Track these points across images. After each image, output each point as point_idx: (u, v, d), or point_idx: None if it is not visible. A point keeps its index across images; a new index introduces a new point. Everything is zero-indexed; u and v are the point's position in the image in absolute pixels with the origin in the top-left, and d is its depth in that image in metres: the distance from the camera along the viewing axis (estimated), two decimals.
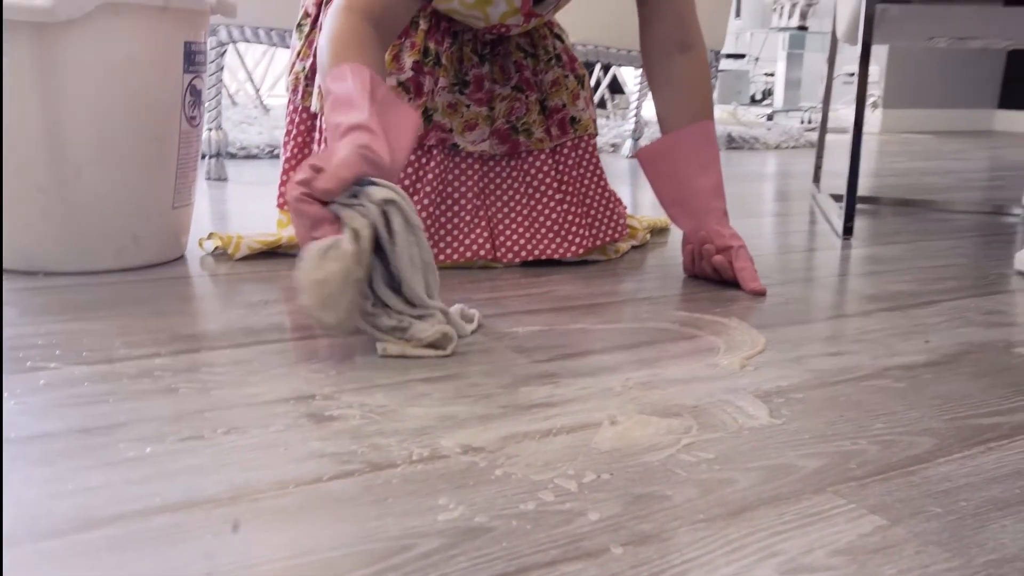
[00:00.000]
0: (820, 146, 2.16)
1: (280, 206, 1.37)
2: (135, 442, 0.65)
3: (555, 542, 0.52)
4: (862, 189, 2.17)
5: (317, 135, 1.31)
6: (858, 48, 1.53)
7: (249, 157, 2.60)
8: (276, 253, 1.30)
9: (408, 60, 1.26)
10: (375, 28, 1.04)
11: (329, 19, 1.03)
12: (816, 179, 2.15)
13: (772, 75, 5.21)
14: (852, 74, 4.74)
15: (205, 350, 0.86)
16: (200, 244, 1.32)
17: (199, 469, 0.61)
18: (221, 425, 0.68)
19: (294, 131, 1.35)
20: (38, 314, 0.97)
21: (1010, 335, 0.98)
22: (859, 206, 1.91)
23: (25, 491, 0.57)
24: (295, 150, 1.35)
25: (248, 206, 1.73)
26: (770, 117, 4.80)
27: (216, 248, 1.31)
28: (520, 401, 0.75)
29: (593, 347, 0.90)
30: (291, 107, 1.36)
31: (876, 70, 4.71)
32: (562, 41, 1.38)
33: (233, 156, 2.55)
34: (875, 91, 4.73)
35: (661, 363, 0.85)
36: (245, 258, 1.27)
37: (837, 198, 1.91)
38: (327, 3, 1.29)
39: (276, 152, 2.65)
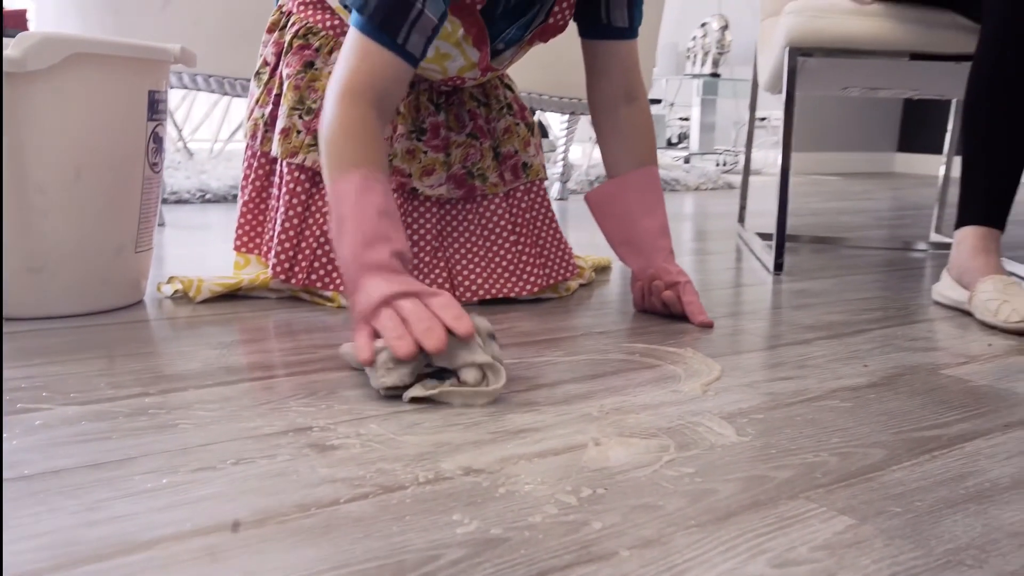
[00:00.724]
0: (744, 187, 2.27)
1: (237, 249, 1.39)
2: (150, 474, 0.68)
3: (567, 548, 0.58)
4: (768, 228, 2.29)
5: (277, 180, 1.35)
6: (782, 96, 1.64)
7: (180, 202, 2.60)
8: (236, 295, 1.33)
9: None
10: (379, 114, 1.05)
11: (334, 106, 1.03)
12: (741, 219, 2.27)
13: (687, 119, 5.40)
14: (763, 119, 4.94)
15: (192, 388, 0.89)
16: (159, 288, 1.34)
17: (220, 496, 0.64)
18: (228, 457, 0.71)
19: (252, 176, 1.38)
20: (15, 358, 0.98)
21: (936, 359, 1.07)
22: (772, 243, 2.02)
23: (56, 521, 0.60)
24: (253, 194, 1.38)
25: (193, 249, 1.75)
26: (687, 160, 4.97)
27: (175, 292, 1.33)
28: (507, 427, 0.80)
29: (563, 377, 0.96)
30: (249, 152, 1.40)
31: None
32: (512, 91, 1.45)
33: (165, 200, 2.55)
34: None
35: (629, 390, 0.91)
36: (205, 301, 1.30)
37: (762, 236, 2.02)
38: (287, 53, 1.34)
39: (208, 196, 2.66)
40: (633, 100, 1.32)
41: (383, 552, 0.57)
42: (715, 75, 4.94)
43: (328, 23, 1.33)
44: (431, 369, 0.90)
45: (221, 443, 0.74)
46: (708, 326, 1.20)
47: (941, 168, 2.23)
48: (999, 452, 0.77)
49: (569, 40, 1.38)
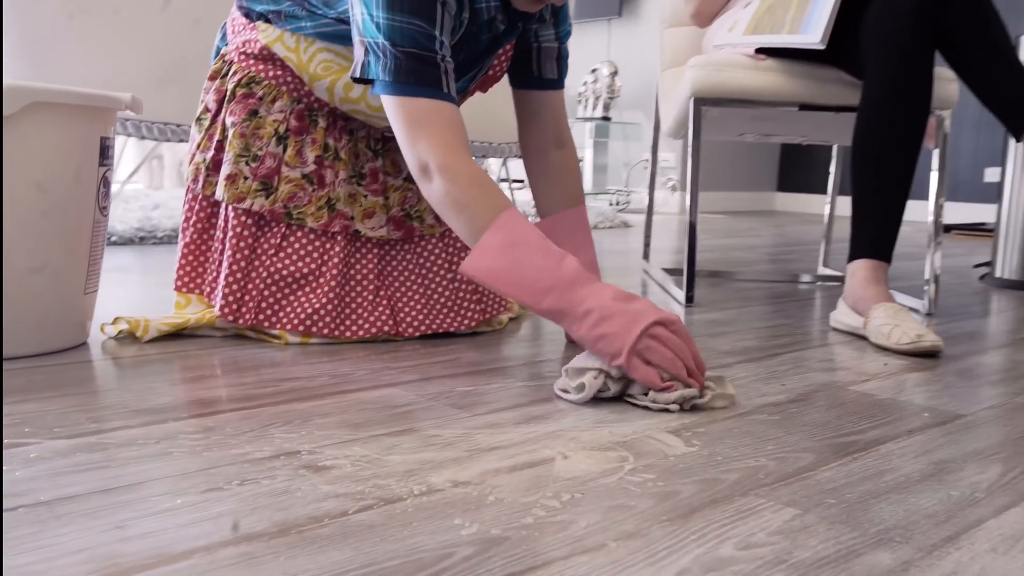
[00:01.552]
0: (648, 226, 2.41)
1: (178, 289, 1.43)
2: (163, 496, 0.73)
3: (562, 543, 0.66)
4: (680, 264, 2.44)
5: (221, 223, 1.40)
6: (674, 140, 1.78)
7: None
8: (180, 334, 1.37)
9: (311, 155, 1.38)
10: (472, 156, 1.17)
11: (450, 169, 1.12)
12: (645, 255, 2.40)
13: (580, 160, 5.60)
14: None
15: (171, 421, 0.94)
16: (102, 329, 1.37)
17: (235, 512, 0.70)
18: (232, 478, 0.77)
19: (193, 218, 1.43)
20: None
21: (842, 377, 1.20)
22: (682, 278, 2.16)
23: (89, 539, 0.65)
24: (195, 236, 1.43)
25: (128, 290, 1.76)
26: None
27: (120, 332, 1.36)
28: (480, 446, 0.88)
29: (519, 401, 1.04)
30: (190, 196, 1.44)
31: (673, 157, 5.17)
32: None
33: None
34: (673, 176, 5.19)
35: (581, 410, 1.01)
36: (152, 340, 1.33)
37: (668, 271, 2.16)
38: (229, 100, 1.40)
39: (113, 238, 2.65)
40: (562, 146, 1.43)
41: (401, 552, 0.64)
42: (606, 119, 5.15)
43: (271, 73, 1.39)
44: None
45: (219, 467, 0.80)
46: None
47: (826, 207, 2.42)
48: (908, 452, 0.89)
49: (493, 91, 1.48)
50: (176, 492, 0.74)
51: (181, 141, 2.15)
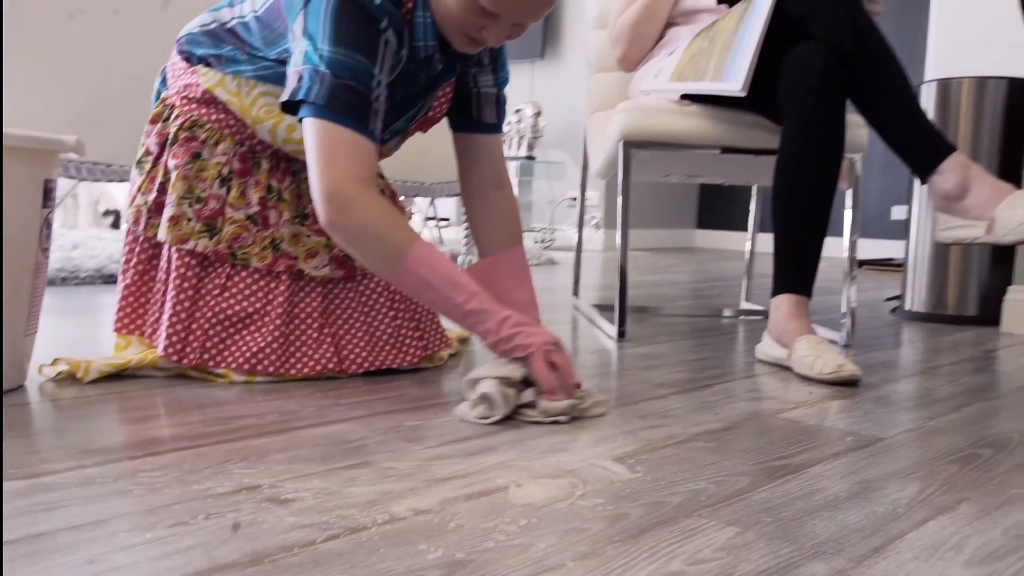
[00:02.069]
0: (577, 263, 2.48)
1: (118, 331, 1.43)
2: (131, 532, 0.75)
3: (524, 564, 0.70)
4: (604, 300, 2.51)
5: (164, 264, 1.41)
6: (618, 181, 1.85)
7: None
8: (121, 375, 1.37)
9: (254, 196, 1.41)
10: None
11: (361, 197, 1.18)
12: (575, 292, 2.47)
13: None
14: (574, 198, 5.26)
15: (126, 459, 0.95)
16: (40, 370, 1.36)
17: (206, 544, 0.72)
18: (198, 512, 0.79)
19: (134, 260, 1.43)
20: None
21: (771, 406, 1.27)
22: (612, 314, 2.23)
23: (65, 574, 0.66)
24: (135, 277, 1.43)
25: (57, 332, 1.75)
26: None
27: (58, 374, 1.35)
28: (435, 476, 0.91)
29: (468, 433, 1.08)
30: (130, 237, 1.45)
31: (596, 195, 5.29)
32: (383, 178, 1.58)
33: None
34: (597, 214, 5.30)
35: (527, 441, 1.05)
36: (93, 381, 1.33)
37: (598, 307, 2.22)
38: (172, 144, 1.42)
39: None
40: (501, 187, 1.48)
41: None
42: (530, 158, 5.25)
43: (214, 117, 1.42)
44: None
45: (183, 503, 0.82)
46: (576, 387, 1.36)
47: (747, 244, 2.52)
48: (835, 473, 0.96)
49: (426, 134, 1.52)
50: (144, 527, 0.76)
51: (110, 181, 2.15)
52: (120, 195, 5.08)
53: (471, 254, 2.72)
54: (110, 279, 2.72)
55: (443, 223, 5.12)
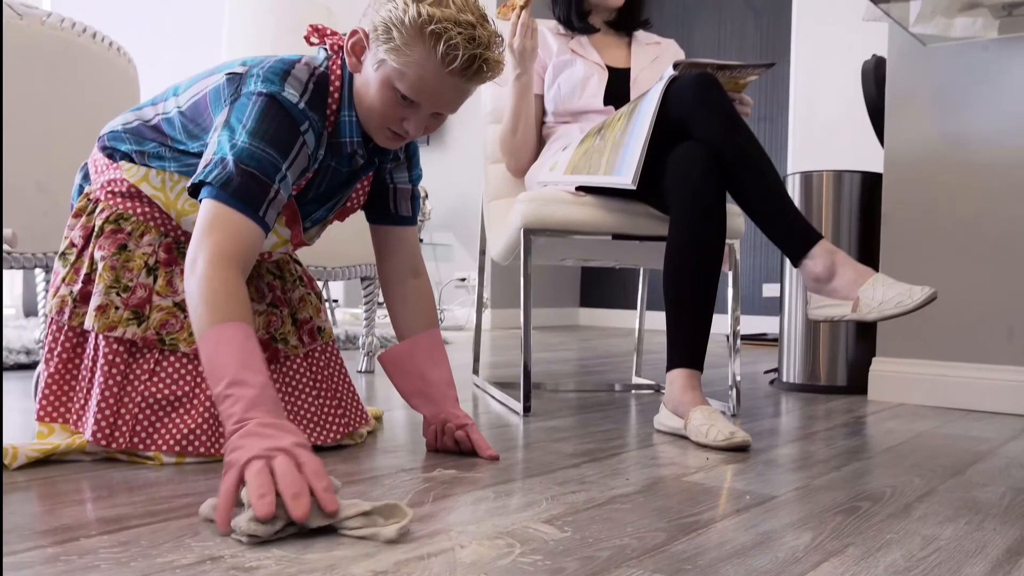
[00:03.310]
0: (477, 342, 2.59)
1: (41, 419, 1.45)
2: None
3: None
4: (501, 377, 2.62)
5: (90, 351, 1.44)
6: (521, 265, 1.98)
7: None
8: (48, 460, 1.39)
9: (180, 284, 1.46)
10: (244, 275, 1.24)
11: (208, 267, 1.19)
12: (475, 370, 2.57)
13: None
14: (463, 279, 5.38)
15: (83, 538, 0.99)
16: None
17: None
18: None
19: (58, 349, 1.46)
20: None
21: (675, 470, 1.40)
22: (512, 390, 2.33)
23: None
24: (59, 366, 1.46)
25: None
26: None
27: None
28: (384, 541, 0.99)
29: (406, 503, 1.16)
30: (54, 327, 1.48)
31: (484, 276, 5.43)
32: (300, 265, 1.66)
33: None
34: (483, 294, 5.44)
35: (459, 509, 1.14)
36: (20, 467, 1.35)
37: (498, 384, 2.33)
38: (98, 236, 1.47)
39: None
40: (418, 275, 1.59)
41: None
42: (419, 240, 5.37)
43: (139, 210, 1.48)
44: (294, 529, 1.00)
45: (153, 574, 0.87)
46: (495, 459, 1.46)
47: (636, 322, 2.69)
48: (739, 527, 1.08)
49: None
50: None
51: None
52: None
53: (370, 335, 2.79)
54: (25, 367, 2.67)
55: (334, 303, 5.17)
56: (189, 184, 1.32)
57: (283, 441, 1.06)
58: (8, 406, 1.92)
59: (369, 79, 1.36)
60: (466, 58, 1.29)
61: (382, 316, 4.83)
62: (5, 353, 2.71)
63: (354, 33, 1.37)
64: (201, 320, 1.17)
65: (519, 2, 2.07)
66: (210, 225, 1.25)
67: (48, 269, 2.29)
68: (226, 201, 1.27)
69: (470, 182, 5.51)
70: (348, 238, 2.62)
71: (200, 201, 1.30)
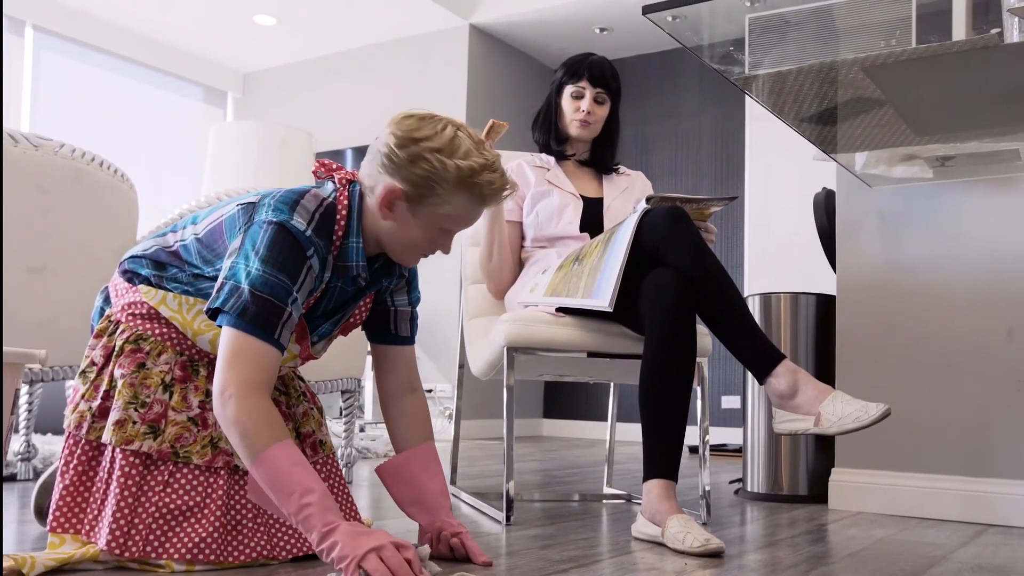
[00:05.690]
0: (455, 453, 2.69)
1: (53, 530, 1.52)
2: None
3: None
4: (476, 488, 2.71)
5: (106, 464, 1.53)
6: (504, 380, 2.11)
7: None
8: (61, 569, 1.46)
9: (195, 400, 1.57)
10: (270, 393, 1.42)
11: (244, 399, 1.38)
12: (453, 480, 2.66)
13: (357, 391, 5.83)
14: (429, 390, 5.46)
15: None
16: None
17: None
18: None
19: (74, 462, 1.55)
20: None
21: (657, 575, 1.51)
22: (490, 500, 2.43)
23: None
24: (75, 478, 1.54)
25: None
26: (362, 429, 5.34)
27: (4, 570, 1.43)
28: None
29: None
30: (71, 441, 1.57)
31: (449, 388, 5.54)
32: (303, 382, 1.78)
33: None
34: (450, 405, 5.52)
35: None
36: None
37: (476, 494, 2.42)
38: (118, 355, 1.57)
39: None
40: (414, 391, 1.71)
41: None
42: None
43: (158, 331, 1.59)
44: None
45: None
46: (488, 564, 1.55)
47: (607, 434, 2.80)
48: None
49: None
50: None
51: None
52: None
53: (349, 447, 2.88)
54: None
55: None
56: (206, 307, 1.45)
57: (384, 538, 1.31)
58: (23, 516, 1.97)
59: (406, 221, 1.53)
60: (497, 189, 1.53)
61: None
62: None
63: (389, 190, 1.52)
64: (252, 447, 1.36)
65: (501, 130, 2.20)
66: (234, 355, 1.40)
67: (32, 383, 2.38)
68: (244, 329, 1.41)
69: (439, 297, 5.65)
70: (329, 352, 2.72)
71: (219, 325, 1.43)
